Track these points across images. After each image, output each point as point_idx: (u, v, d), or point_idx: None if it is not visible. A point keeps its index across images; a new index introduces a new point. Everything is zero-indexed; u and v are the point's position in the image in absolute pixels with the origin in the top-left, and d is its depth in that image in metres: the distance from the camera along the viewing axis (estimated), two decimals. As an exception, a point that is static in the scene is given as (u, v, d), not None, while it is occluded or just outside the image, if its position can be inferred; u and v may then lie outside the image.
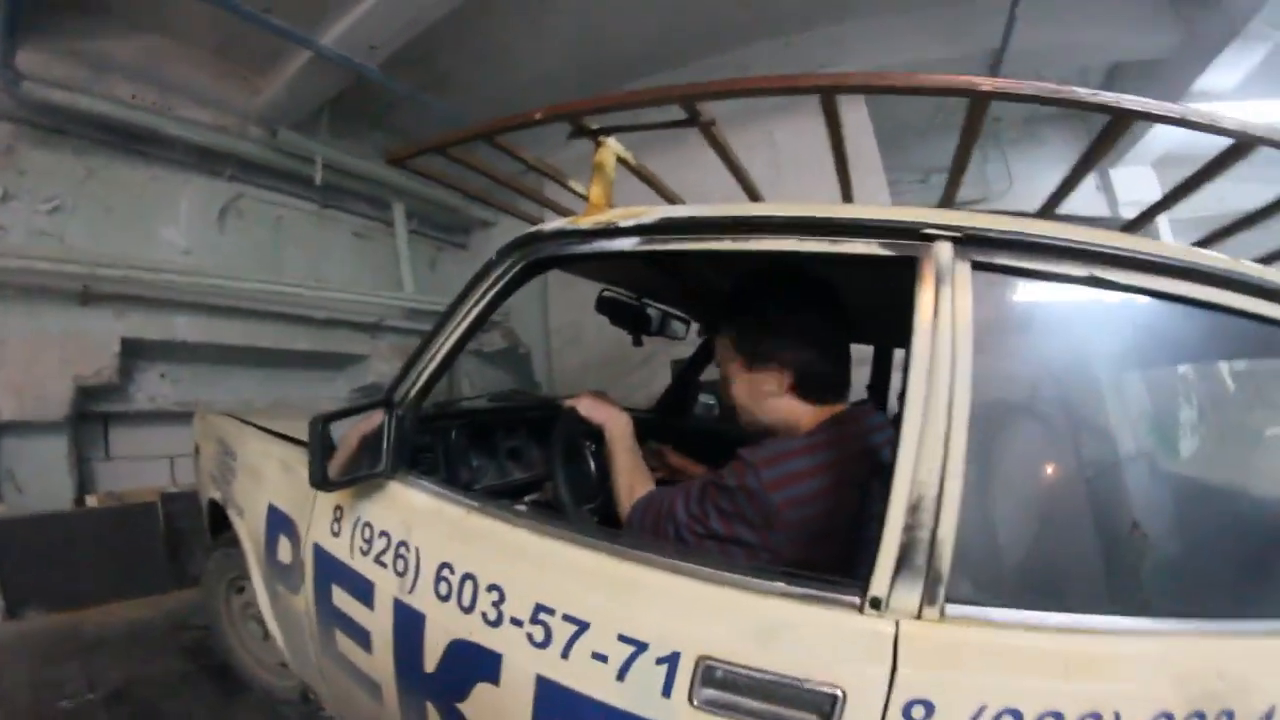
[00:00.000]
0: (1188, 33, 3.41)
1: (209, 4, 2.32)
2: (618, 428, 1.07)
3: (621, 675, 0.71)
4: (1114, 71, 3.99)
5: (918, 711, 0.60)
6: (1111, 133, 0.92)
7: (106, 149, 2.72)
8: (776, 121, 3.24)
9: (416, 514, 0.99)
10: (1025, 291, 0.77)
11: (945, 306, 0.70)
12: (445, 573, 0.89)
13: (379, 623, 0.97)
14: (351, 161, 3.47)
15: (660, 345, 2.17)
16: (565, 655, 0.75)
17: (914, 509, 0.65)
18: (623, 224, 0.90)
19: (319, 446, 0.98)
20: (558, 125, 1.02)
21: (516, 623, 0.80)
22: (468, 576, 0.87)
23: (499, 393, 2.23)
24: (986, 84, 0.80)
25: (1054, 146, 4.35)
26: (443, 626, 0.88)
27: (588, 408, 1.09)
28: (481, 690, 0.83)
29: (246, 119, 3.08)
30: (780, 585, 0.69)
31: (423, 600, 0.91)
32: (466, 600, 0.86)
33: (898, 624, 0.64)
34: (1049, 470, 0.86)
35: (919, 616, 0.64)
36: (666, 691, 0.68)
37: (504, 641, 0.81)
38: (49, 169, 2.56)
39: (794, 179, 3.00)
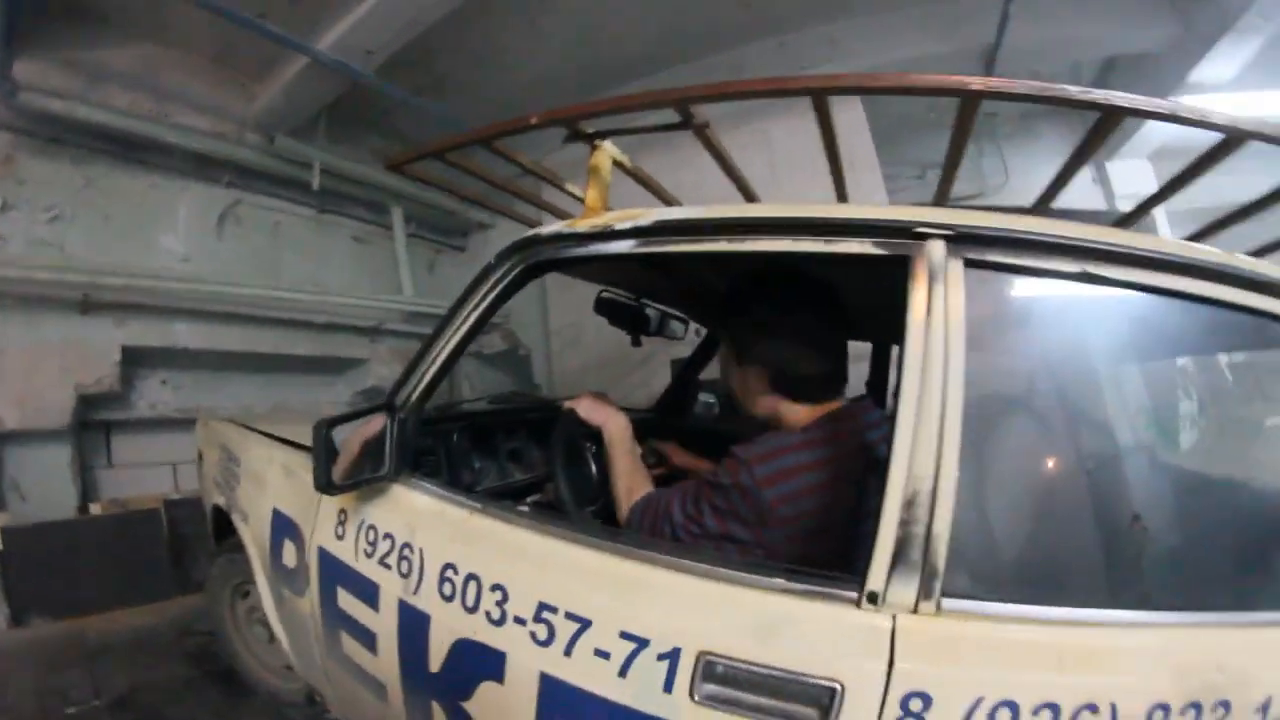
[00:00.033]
0: (1182, 26, 3.42)
1: (205, 11, 2.33)
2: (616, 429, 1.08)
3: (623, 672, 0.72)
4: (1109, 65, 4.00)
5: (915, 704, 0.61)
6: (1102, 129, 0.93)
7: (104, 158, 2.73)
8: (772, 120, 3.25)
9: (420, 516, 1.00)
10: (1018, 288, 0.78)
11: (938, 304, 0.70)
12: (449, 573, 0.90)
13: (384, 624, 0.98)
14: (349, 166, 3.48)
15: (659, 345, 2.18)
16: (568, 653, 0.76)
17: (909, 505, 0.66)
18: (619, 227, 0.91)
19: (323, 451, 0.99)
20: (554, 128, 1.03)
21: (520, 621, 0.81)
22: (471, 577, 0.88)
23: (500, 394, 2.24)
24: (977, 83, 0.81)
25: (1050, 141, 4.36)
26: (447, 626, 0.89)
27: (587, 409, 1.10)
28: (486, 689, 0.84)
29: (244, 125, 3.09)
30: (779, 581, 0.70)
31: (427, 601, 0.92)
32: (470, 600, 0.87)
33: (895, 618, 0.65)
34: (1043, 465, 0.86)
35: (915, 611, 0.65)
36: (668, 687, 0.69)
37: (508, 640, 0.82)
38: (47, 178, 2.57)
39: (790, 177, 3.02)
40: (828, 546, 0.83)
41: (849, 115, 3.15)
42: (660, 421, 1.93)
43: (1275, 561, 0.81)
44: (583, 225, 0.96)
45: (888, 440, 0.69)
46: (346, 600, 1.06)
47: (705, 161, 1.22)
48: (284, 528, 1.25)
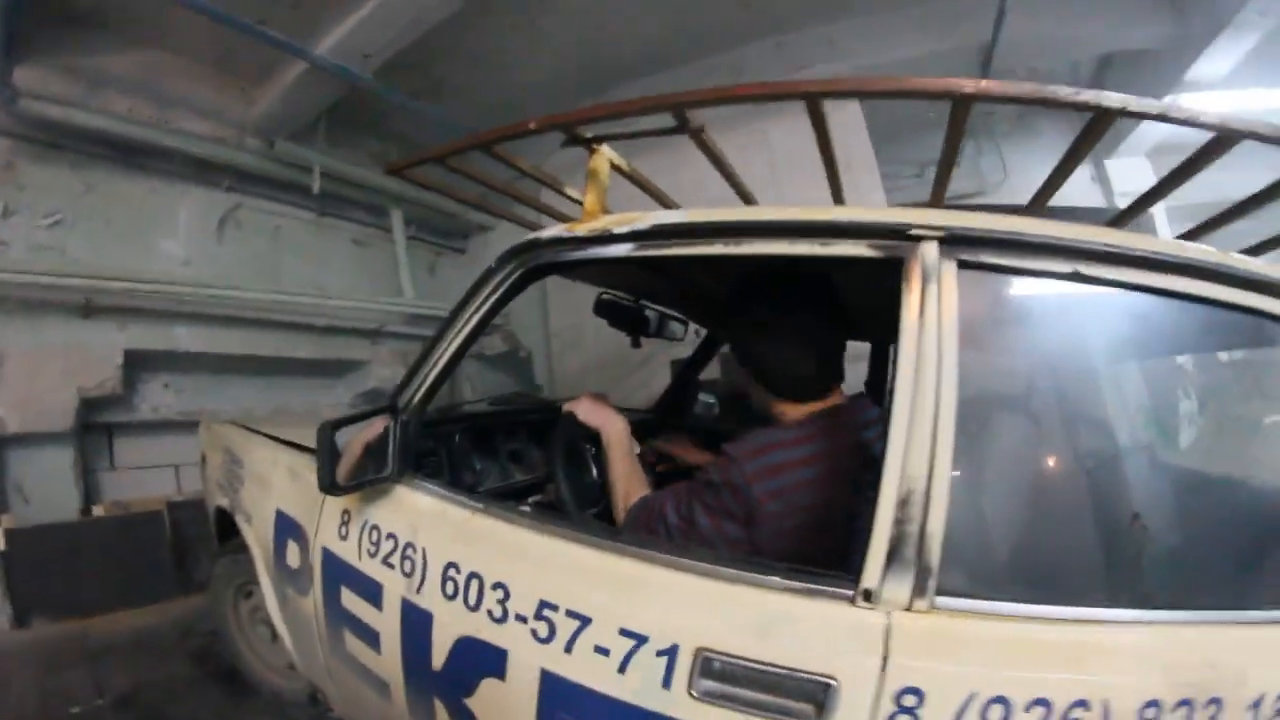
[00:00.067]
0: (1179, 23, 3.42)
1: (204, 17, 2.34)
2: (614, 433, 1.09)
3: (623, 668, 0.73)
4: (1106, 62, 4.00)
5: (909, 700, 0.62)
6: (1095, 129, 0.94)
7: (105, 163, 2.74)
8: (771, 121, 3.26)
9: (422, 516, 1.01)
10: (1010, 289, 0.79)
11: (931, 305, 0.71)
12: (451, 572, 0.91)
13: (387, 622, 0.99)
14: (349, 170, 3.49)
15: (660, 346, 2.19)
16: (568, 650, 0.78)
17: (903, 504, 0.67)
18: (617, 230, 0.92)
19: (327, 452, 1.00)
20: (553, 132, 1.03)
21: (521, 619, 0.82)
22: (473, 575, 0.89)
23: (501, 396, 2.25)
24: (969, 86, 0.81)
25: (1048, 138, 4.37)
26: (449, 625, 0.90)
27: (585, 412, 1.11)
28: (488, 685, 0.85)
29: (243, 130, 3.09)
30: (776, 579, 0.71)
31: (430, 599, 0.93)
32: (472, 599, 0.88)
33: (889, 616, 0.66)
34: (1036, 465, 0.87)
35: (909, 608, 0.66)
36: (666, 683, 0.70)
37: (509, 638, 0.83)
38: (48, 184, 2.58)
39: (790, 177, 3.03)
40: (821, 542, 0.84)
41: (847, 115, 3.16)
42: (660, 422, 1.94)
43: (1264, 559, 0.81)
44: (581, 229, 0.97)
45: (883, 439, 0.70)
46: (350, 599, 1.07)
47: (704, 162, 1.23)
48: (288, 528, 1.26)
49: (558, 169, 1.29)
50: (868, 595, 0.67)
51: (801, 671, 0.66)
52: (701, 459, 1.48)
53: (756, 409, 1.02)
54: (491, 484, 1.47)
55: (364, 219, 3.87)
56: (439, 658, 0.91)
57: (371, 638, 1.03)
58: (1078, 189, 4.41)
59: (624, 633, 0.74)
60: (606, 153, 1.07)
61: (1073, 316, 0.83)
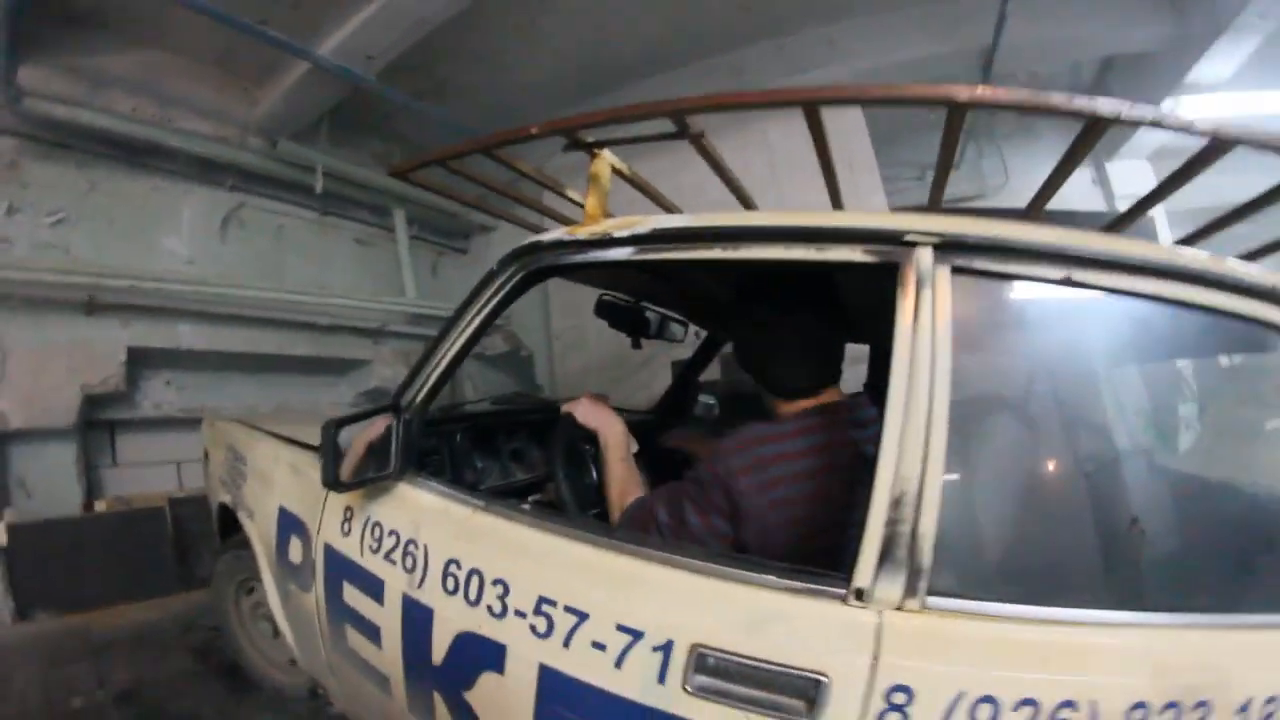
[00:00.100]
0: (1180, 25, 3.43)
1: (207, 18, 2.35)
2: (612, 435, 1.10)
3: (619, 663, 0.75)
4: (1107, 65, 4.00)
5: (899, 697, 0.63)
6: (1090, 135, 0.95)
7: (108, 162, 2.75)
8: (771, 122, 3.27)
9: (424, 513, 1.02)
10: (1004, 294, 0.80)
11: (925, 310, 0.72)
12: (452, 568, 0.93)
13: (388, 618, 1.01)
14: (351, 170, 3.50)
15: (660, 347, 2.20)
16: (566, 645, 0.79)
17: (896, 504, 0.68)
18: (617, 234, 0.94)
19: (331, 450, 1.02)
20: (554, 136, 1.05)
21: (520, 615, 0.84)
22: (474, 572, 0.90)
23: (502, 396, 2.27)
24: (964, 93, 0.82)
25: (1049, 140, 4.36)
26: (450, 620, 0.91)
27: (584, 413, 1.12)
28: (487, 679, 0.87)
29: (246, 130, 3.11)
30: (770, 577, 0.73)
31: (431, 595, 0.94)
32: (473, 594, 0.89)
33: (881, 614, 0.67)
34: (1027, 468, 0.88)
35: (901, 608, 0.67)
36: (661, 678, 0.72)
37: (508, 633, 0.84)
38: (52, 182, 2.60)
39: (790, 178, 3.03)
40: (810, 536, 0.85)
41: (848, 117, 3.16)
42: (661, 423, 1.95)
43: (1253, 563, 0.82)
44: (583, 233, 0.98)
45: (878, 439, 0.71)
46: (352, 595, 1.09)
47: (705, 165, 1.24)
48: (290, 525, 1.28)
49: (559, 171, 1.31)
50: (860, 594, 0.68)
51: (793, 668, 0.67)
52: (685, 444, 1.50)
53: (766, 409, 1.03)
54: (492, 482, 1.48)
55: (367, 219, 3.88)
56: (439, 652, 0.93)
57: (373, 633, 1.04)
58: (1079, 192, 4.41)
59: (621, 628, 0.76)
60: (608, 157, 1.08)
61: (1065, 321, 0.84)
